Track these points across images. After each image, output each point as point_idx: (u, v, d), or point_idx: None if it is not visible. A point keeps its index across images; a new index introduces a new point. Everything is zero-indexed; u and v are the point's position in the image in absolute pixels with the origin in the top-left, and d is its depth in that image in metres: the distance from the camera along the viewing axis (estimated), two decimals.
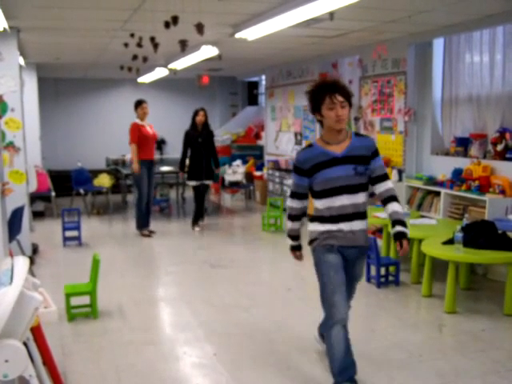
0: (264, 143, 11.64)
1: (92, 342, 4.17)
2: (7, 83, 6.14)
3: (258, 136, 12.26)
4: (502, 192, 5.59)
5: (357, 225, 3.22)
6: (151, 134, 7.81)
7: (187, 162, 8.11)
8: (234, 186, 11.00)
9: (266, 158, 11.27)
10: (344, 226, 3.20)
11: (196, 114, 8.03)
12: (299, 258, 3.53)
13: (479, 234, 4.71)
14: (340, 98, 3.08)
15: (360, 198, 3.20)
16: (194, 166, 8.01)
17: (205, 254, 6.85)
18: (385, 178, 3.26)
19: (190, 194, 9.32)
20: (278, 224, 8.20)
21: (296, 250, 3.52)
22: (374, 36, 6.80)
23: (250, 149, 12.16)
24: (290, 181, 9.34)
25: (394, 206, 3.24)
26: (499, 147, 5.85)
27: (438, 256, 4.78)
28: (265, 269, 6.45)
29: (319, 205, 3.23)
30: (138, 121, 7.76)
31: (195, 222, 8.28)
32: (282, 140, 10.65)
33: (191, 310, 4.91)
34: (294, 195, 3.33)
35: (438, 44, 6.81)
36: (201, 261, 6.52)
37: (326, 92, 3.09)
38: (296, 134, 10.01)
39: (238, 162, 11.17)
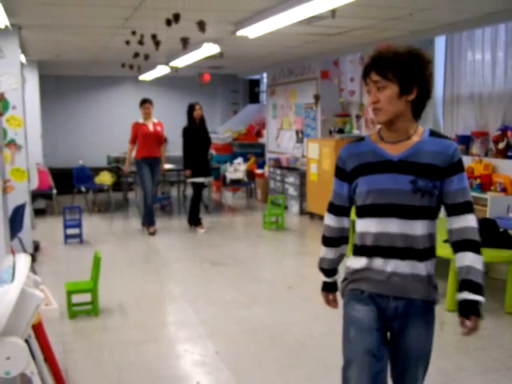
0: (265, 141, 11.64)
1: (93, 339, 4.18)
2: (8, 81, 6.14)
3: (259, 134, 12.26)
4: (504, 190, 5.59)
5: (408, 266, 2.10)
6: (152, 131, 7.76)
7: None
8: (235, 183, 10.99)
9: (268, 155, 11.27)
10: (383, 264, 2.12)
11: (192, 108, 7.89)
12: (332, 304, 2.45)
13: (480, 232, 4.68)
14: (375, 77, 2.05)
15: (419, 227, 2.09)
16: (200, 163, 7.92)
17: (206, 252, 6.85)
18: (465, 209, 2.12)
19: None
20: (279, 222, 8.20)
21: (328, 290, 2.43)
22: (376, 34, 6.79)
23: (251, 147, 12.16)
24: (291, 179, 9.34)
25: (468, 258, 2.09)
26: (501, 145, 5.85)
27: (439, 254, 4.75)
28: (266, 267, 6.45)
29: (358, 228, 2.21)
30: (139, 120, 7.81)
31: (198, 222, 8.11)
32: (284, 138, 10.65)
33: (192, 307, 4.91)
34: (331, 208, 2.34)
35: (440, 42, 6.80)
36: (202, 259, 6.52)
37: (364, 71, 2.13)
38: (297, 132, 10.01)
39: (240, 159, 11.16)
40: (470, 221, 2.13)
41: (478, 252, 2.10)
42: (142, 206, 8.06)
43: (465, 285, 2.08)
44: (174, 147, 10.91)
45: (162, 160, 7.99)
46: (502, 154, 5.85)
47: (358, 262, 2.19)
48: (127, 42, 5.98)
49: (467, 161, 6.15)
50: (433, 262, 2.19)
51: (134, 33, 5.55)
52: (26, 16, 5.71)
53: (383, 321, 2.15)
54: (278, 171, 9.86)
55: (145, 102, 7.83)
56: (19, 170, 6.43)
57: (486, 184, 5.75)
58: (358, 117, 8.21)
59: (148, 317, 4.69)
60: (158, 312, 4.92)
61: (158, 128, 7.90)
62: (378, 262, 2.13)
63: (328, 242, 2.38)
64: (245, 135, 12.32)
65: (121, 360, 3.79)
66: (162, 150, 7.99)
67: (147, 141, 7.71)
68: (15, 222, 5.41)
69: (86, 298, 4.69)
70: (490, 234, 4.69)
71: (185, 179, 9.16)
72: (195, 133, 7.84)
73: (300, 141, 9.90)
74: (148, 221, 7.89)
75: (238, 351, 3.96)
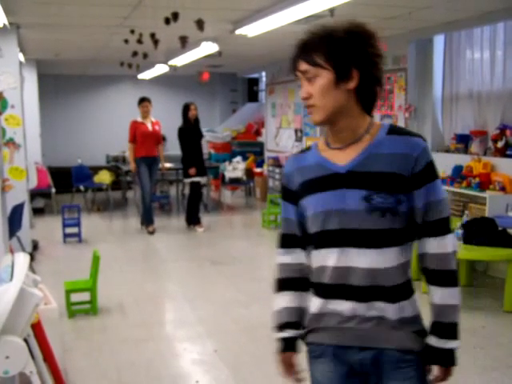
0: (264, 140, 11.64)
1: (92, 338, 4.18)
2: (7, 80, 6.13)
3: (258, 133, 12.26)
4: (503, 189, 5.59)
5: (374, 309, 1.61)
6: (150, 131, 7.75)
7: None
8: (234, 182, 10.99)
9: (267, 154, 11.27)
10: (342, 307, 1.64)
11: (188, 108, 7.86)
12: (289, 372, 1.79)
13: (479, 231, 4.71)
14: (303, 67, 1.60)
15: (385, 258, 1.60)
16: (198, 162, 7.94)
17: (205, 251, 6.86)
18: (440, 229, 1.62)
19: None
20: (278, 221, 8.20)
21: (286, 350, 1.77)
22: None
23: (250, 145, 12.16)
24: None
25: (441, 295, 1.63)
26: (500, 144, 5.85)
27: None
28: (265, 265, 6.46)
29: (313, 261, 1.72)
30: (138, 118, 7.79)
31: (197, 221, 8.11)
32: (283, 137, 10.65)
33: (191, 306, 4.91)
34: (282, 241, 1.81)
35: (439, 41, 6.80)
36: (201, 257, 6.52)
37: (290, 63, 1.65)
38: (296, 131, 10.01)
39: (238, 158, 11.16)
40: (446, 245, 1.62)
41: (453, 283, 1.63)
42: (141, 205, 8.07)
43: (434, 328, 1.63)
44: (173, 146, 10.92)
45: (161, 159, 8.00)
46: (501, 153, 5.85)
47: (314, 305, 1.70)
48: (126, 41, 5.99)
49: (466, 160, 6.15)
50: (412, 301, 1.65)
51: (132, 31, 5.55)
52: (25, 15, 5.70)
53: (356, 378, 1.68)
54: (277, 170, 9.86)
55: (143, 101, 7.81)
56: (18, 169, 6.43)
57: (484, 183, 5.75)
58: None
59: (147, 316, 4.70)
60: (157, 311, 4.93)
61: (157, 127, 7.89)
62: (336, 305, 1.64)
63: (282, 284, 1.79)
64: (244, 134, 12.32)
65: (120, 359, 3.79)
66: (160, 149, 8.01)
67: (146, 140, 7.70)
68: (14, 220, 5.41)
69: (85, 297, 4.69)
70: (489, 233, 4.69)
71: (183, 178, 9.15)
72: (191, 132, 7.85)
73: (299, 139, 9.90)
74: (147, 220, 7.89)
75: (236, 350, 3.96)
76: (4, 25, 5.75)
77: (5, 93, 6.19)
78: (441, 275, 1.63)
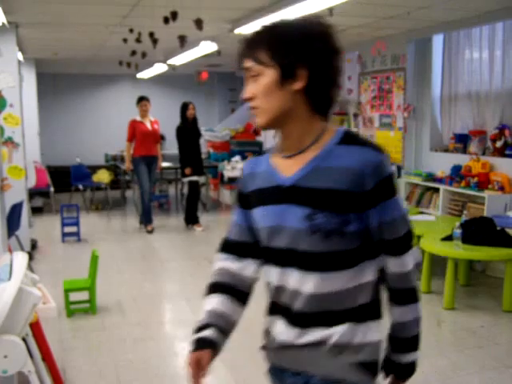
0: (263, 139, 11.63)
1: (91, 337, 4.17)
2: (6, 79, 6.13)
3: (256, 132, 12.25)
4: (501, 188, 5.59)
5: (320, 333, 1.45)
6: (150, 130, 7.73)
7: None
8: (233, 182, 10.98)
9: None
10: (284, 330, 1.51)
11: (186, 107, 7.78)
12: (197, 375, 1.59)
13: (478, 231, 4.71)
14: (247, 63, 1.44)
15: (336, 281, 1.44)
16: (196, 161, 7.90)
17: (204, 250, 6.85)
18: (400, 248, 1.48)
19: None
20: None
21: (197, 349, 1.56)
22: (374, 32, 6.79)
23: (248, 145, 12.14)
24: None
25: (401, 313, 1.52)
26: (498, 144, 5.85)
27: (437, 252, 4.79)
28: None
29: (265, 277, 1.60)
30: (137, 117, 7.76)
31: (195, 221, 8.10)
32: None
33: (190, 305, 4.91)
34: (224, 246, 1.68)
35: (438, 40, 6.80)
36: (200, 257, 6.52)
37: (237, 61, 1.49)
38: None
39: (237, 157, 11.14)
40: (405, 264, 1.48)
41: (413, 300, 1.51)
42: (140, 204, 8.08)
43: (393, 343, 1.56)
44: (171, 145, 10.91)
45: (158, 158, 8.02)
46: (500, 153, 5.85)
47: (265, 320, 1.61)
48: (125, 40, 5.98)
49: (465, 159, 6.15)
50: (367, 327, 1.47)
51: (131, 31, 5.55)
52: (24, 14, 5.69)
53: None
54: None
55: (142, 100, 7.80)
56: (17, 168, 6.42)
57: (483, 182, 5.76)
58: (356, 115, 8.21)
59: (146, 315, 4.69)
60: (156, 310, 4.92)
61: (155, 126, 7.87)
62: (277, 325, 1.53)
63: (215, 288, 1.62)
64: (242, 133, 12.31)
65: (119, 358, 3.79)
66: (158, 148, 8.02)
67: (145, 139, 7.69)
68: (12, 220, 5.41)
69: (84, 296, 4.69)
70: (488, 233, 4.69)
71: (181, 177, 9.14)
72: (189, 132, 7.83)
73: None
74: (146, 219, 7.90)
75: (235, 348, 3.95)
76: (3, 24, 5.75)
77: (3, 92, 6.19)
78: (400, 294, 1.51)
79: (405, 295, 1.51)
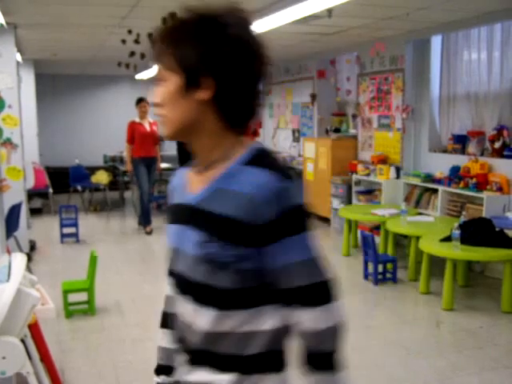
0: (262, 140, 11.64)
1: (90, 338, 4.17)
2: (4, 80, 6.12)
3: (255, 133, 12.26)
4: (500, 189, 5.60)
5: (204, 376, 1.30)
6: (148, 131, 7.79)
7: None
8: None
9: None
10: (178, 364, 1.42)
11: None
12: None
13: (477, 232, 4.71)
14: (157, 66, 1.32)
15: (226, 321, 1.25)
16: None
17: None
18: (310, 297, 1.23)
19: None
20: None
21: None
22: (372, 33, 6.80)
23: None
24: None
25: (313, 381, 1.23)
26: (497, 144, 5.86)
27: (436, 253, 4.79)
28: None
29: None
30: (136, 119, 7.81)
31: None
32: (280, 137, 10.65)
33: None
34: (168, 269, 1.48)
35: (436, 41, 6.80)
36: None
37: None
38: (294, 131, 10.00)
39: None
40: (319, 320, 1.21)
41: (329, 368, 1.23)
42: (139, 206, 8.12)
43: None
44: (170, 146, 10.89)
45: (158, 159, 8.07)
46: (498, 154, 5.86)
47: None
48: (123, 41, 5.98)
49: (463, 160, 6.16)
50: (263, 379, 1.26)
51: (130, 32, 5.55)
52: (22, 15, 5.69)
53: None
54: None
55: (141, 101, 7.85)
56: (15, 169, 6.41)
57: (482, 183, 5.76)
58: (355, 116, 8.21)
59: (145, 316, 4.69)
60: (155, 311, 4.90)
61: (154, 127, 7.92)
62: (177, 357, 1.43)
63: (162, 319, 1.61)
64: None
65: (118, 359, 3.79)
66: (157, 149, 8.05)
67: (144, 141, 7.74)
68: (11, 221, 5.41)
69: (83, 297, 4.69)
70: (486, 234, 4.70)
71: None
72: None
73: (296, 140, 9.90)
74: (145, 220, 7.93)
75: None
76: (1, 25, 5.75)
77: (2, 93, 6.18)
78: (313, 357, 1.23)
79: (318, 360, 1.23)
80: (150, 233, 7.81)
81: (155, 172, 8.14)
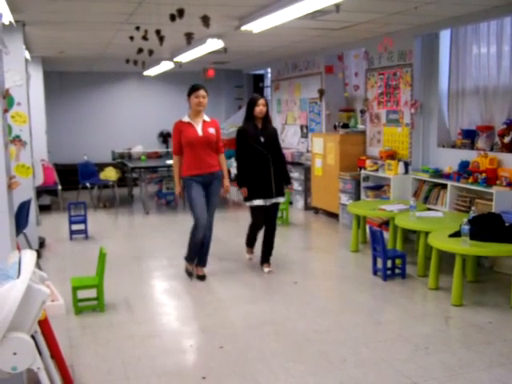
0: None
1: (99, 334, 4.19)
2: (13, 77, 6.14)
3: None
4: (509, 184, 5.57)
5: None
6: (200, 136, 5.41)
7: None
8: None
9: None
10: None
11: (254, 103, 5.68)
12: None
13: (486, 227, 4.69)
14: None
15: None
16: (259, 179, 5.63)
17: (211, 247, 6.85)
18: None
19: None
20: (283, 217, 8.19)
21: None
22: (380, 28, 6.76)
23: None
24: (295, 174, 9.33)
25: None
26: (506, 139, 5.82)
27: (445, 249, 4.78)
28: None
29: None
30: (185, 118, 5.53)
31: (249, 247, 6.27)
32: (288, 133, 10.63)
33: (197, 302, 4.92)
34: None
35: (445, 36, 6.76)
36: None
37: None
38: (302, 127, 9.99)
39: None
40: None
41: None
42: (189, 238, 5.66)
43: None
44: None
45: (223, 174, 5.72)
46: (508, 148, 5.82)
47: None
48: (131, 38, 5.98)
49: (472, 155, 6.12)
50: None
51: (137, 28, 5.55)
52: (30, 12, 5.70)
53: None
54: None
55: (197, 89, 5.42)
56: (24, 166, 6.44)
57: (491, 178, 5.73)
58: (363, 111, 8.18)
59: (153, 312, 4.71)
60: (163, 307, 4.93)
61: (211, 130, 5.52)
62: None
63: None
64: None
65: (127, 355, 3.80)
66: (220, 159, 5.69)
67: (193, 150, 5.41)
68: (20, 218, 5.43)
69: (92, 293, 4.71)
70: (496, 229, 4.67)
71: None
72: (255, 136, 5.65)
73: (305, 136, 9.88)
74: (199, 260, 5.68)
75: (242, 346, 3.96)
76: (10, 22, 5.76)
77: (11, 90, 6.20)
78: None
79: None
80: (203, 278, 5.56)
81: (218, 193, 5.73)
